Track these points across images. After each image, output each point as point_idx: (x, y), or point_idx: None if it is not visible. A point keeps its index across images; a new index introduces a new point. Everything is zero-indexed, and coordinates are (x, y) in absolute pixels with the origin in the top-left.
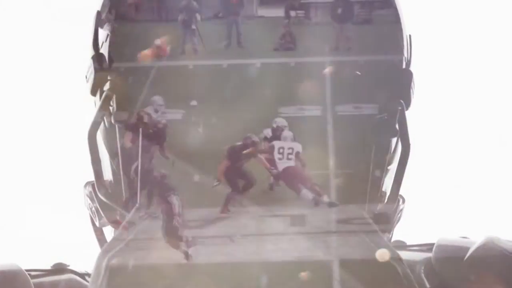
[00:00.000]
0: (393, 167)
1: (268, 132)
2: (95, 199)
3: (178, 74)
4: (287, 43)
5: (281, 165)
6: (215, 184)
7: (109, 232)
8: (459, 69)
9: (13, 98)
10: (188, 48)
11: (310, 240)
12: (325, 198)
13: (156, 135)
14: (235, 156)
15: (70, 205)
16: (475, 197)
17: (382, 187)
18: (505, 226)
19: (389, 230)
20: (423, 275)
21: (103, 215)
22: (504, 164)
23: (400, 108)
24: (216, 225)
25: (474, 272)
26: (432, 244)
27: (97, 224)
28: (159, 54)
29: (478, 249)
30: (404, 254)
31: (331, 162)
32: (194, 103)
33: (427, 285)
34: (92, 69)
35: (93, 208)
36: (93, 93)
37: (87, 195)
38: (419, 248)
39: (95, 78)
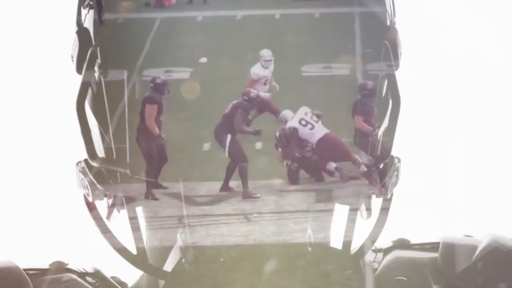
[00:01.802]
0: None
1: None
2: (87, 172)
3: (185, 26)
4: None
5: (317, 134)
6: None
7: (102, 207)
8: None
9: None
10: None
11: (338, 218)
12: (363, 168)
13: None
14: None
15: (68, 202)
16: (471, 194)
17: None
18: (500, 223)
19: (385, 191)
20: (429, 277)
21: (97, 185)
22: (500, 160)
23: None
24: (229, 201)
25: (482, 273)
26: (436, 243)
27: (90, 199)
28: (163, 3)
29: (484, 249)
30: (409, 253)
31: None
32: (203, 60)
33: (434, 286)
34: (76, 43)
35: (86, 183)
36: (79, 69)
37: (79, 171)
38: (423, 247)
39: (79, 53)
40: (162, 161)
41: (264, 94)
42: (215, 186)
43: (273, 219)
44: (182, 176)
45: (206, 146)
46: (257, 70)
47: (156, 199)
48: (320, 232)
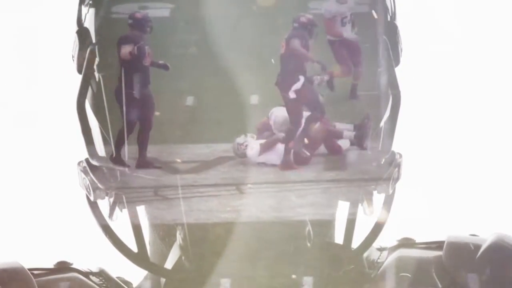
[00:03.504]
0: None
1: None
2: (89, 171)
3: None
4: None
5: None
6: None
7: (104, 206)
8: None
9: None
10: None
11: (351, 190)
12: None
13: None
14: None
15: (71, 202)
16: (472, 193)
17: None
18: (506, 222)
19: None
20: (434, 274)
21: (98, 184)
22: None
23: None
24: (217, 168)
25: (486, 271)
26: (441, 242)
27: (92, 198)
28: None
29: (489, 248)
30: (413, 252)
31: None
32: None
33: (439, 285)
34: (77, 43)
35: (88, 182)
36: (80, 69)
37: (81, 171)
38: (428, 246)
39: (79, 52)
40: (145, 125)
41: (349, 35)
42: (200, 150)
43: (271, 190)
44: (159, 137)
45: (190, 99)
46: (329, 7)
47: (127, 166)
48: (329, 207)
